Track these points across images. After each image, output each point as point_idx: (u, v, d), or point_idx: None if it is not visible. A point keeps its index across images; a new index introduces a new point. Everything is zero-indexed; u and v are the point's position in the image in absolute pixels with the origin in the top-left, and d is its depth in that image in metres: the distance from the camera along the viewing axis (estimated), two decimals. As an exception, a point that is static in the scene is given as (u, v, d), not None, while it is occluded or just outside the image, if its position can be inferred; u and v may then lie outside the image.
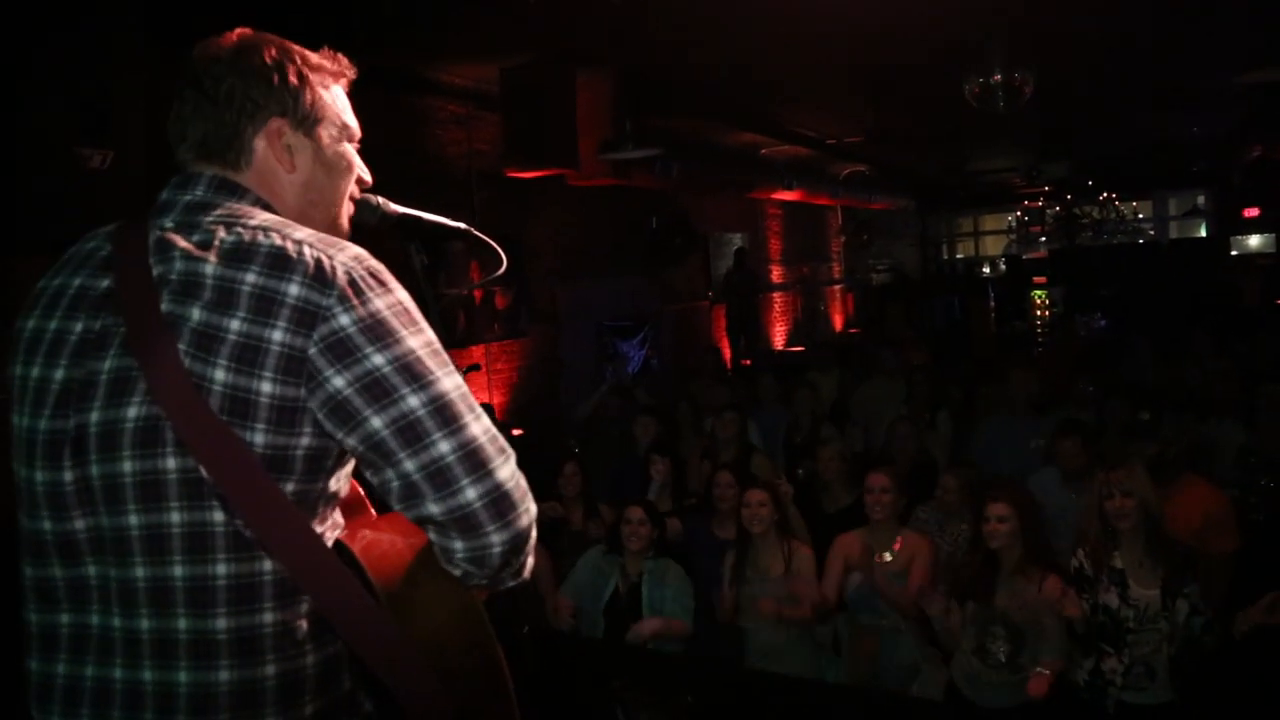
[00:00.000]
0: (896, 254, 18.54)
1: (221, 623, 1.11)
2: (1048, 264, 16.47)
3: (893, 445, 5.34)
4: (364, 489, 1.33)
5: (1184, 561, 3.24)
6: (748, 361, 11.75)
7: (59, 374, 1.18)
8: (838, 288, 16.65)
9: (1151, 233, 17.89)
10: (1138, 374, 7.69)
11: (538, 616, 4.11)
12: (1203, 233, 17.41)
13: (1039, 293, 15.69)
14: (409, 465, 1.13)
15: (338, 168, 1.37)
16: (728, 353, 12.10)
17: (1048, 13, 6.15)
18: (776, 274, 14.23)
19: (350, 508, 1.30)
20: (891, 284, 16.98)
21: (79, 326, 1.19)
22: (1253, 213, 15.63)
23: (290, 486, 1.14)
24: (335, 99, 1.37)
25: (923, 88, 8.19)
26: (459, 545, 1.16)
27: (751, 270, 12.43)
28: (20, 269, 4.11)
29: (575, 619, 4.10)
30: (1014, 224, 18.38)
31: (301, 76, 1.31)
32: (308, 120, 1.32)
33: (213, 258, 1.15)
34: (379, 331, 1.14)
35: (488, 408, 7.06)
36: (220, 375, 1.10)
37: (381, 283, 1.18)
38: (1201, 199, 17.25)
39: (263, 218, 1.22)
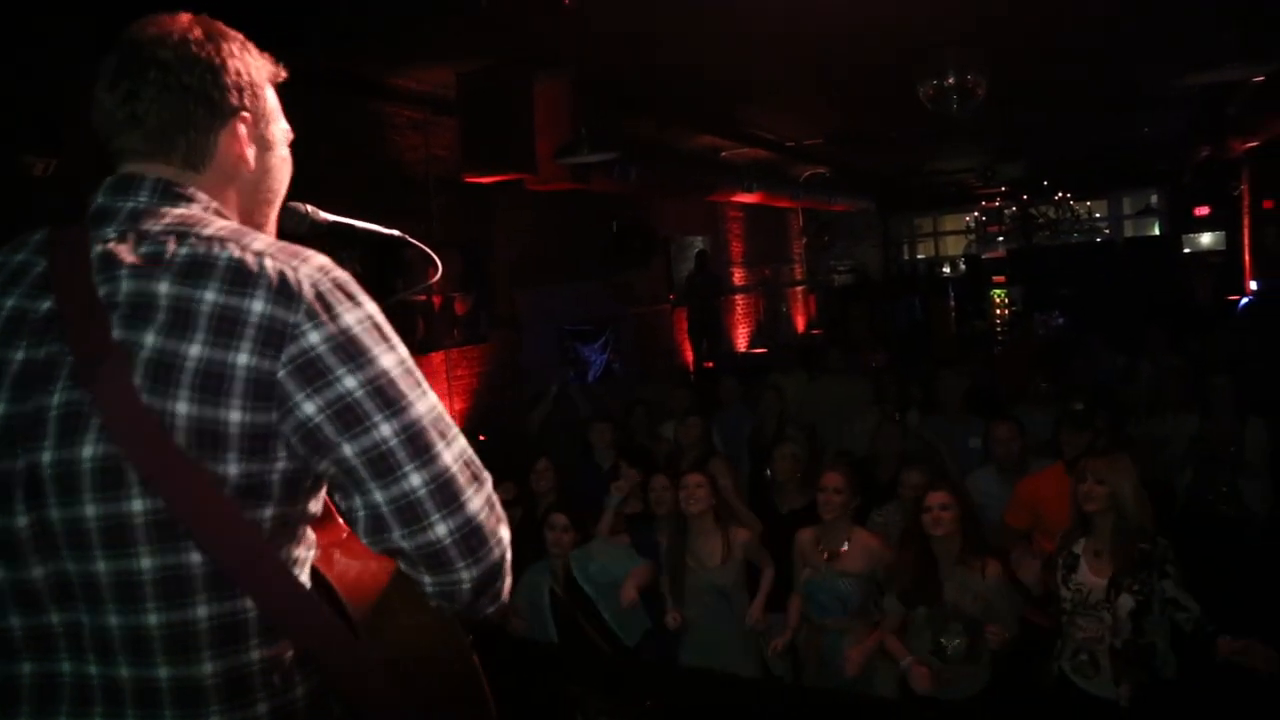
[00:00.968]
0: (858, 255, 18.68)
1: (208, 667, 1.05)
2: (1007, 263, 16.67)
3: (877, 446, 5.36)
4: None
5: (1143, 558, 3.28)
6: (710, 364, 11.78)
7: (1, 408, 1.07)
8: (800, 289, 16.74)
9: (1107, 231, 18.17)
10: (1091, 371, 7.80)
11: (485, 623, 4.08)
12: (1156, 231, 17.70)
13: (998, 292, 15.90)
14: (379, 496, 1.09)
15: (280, 170, 1.32)
16: (690, 356, 12.12)
17: (1000, 16, 6.22)
18: (738, 276, 14.28)
19: (320, 519, 1.25)
20: (853, 285, 17.11)
21: (19, 355, 1.08)
22: (1203, 211, 15.93)
23: (269, 512, 1.08)
24: (274, 99, 1.32)
25: (879, 90, 8.26)
26: (427, 580, 1.13)
27: (713, 273, 12.46)
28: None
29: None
30: (973, 224, 18.58)
31: (259, 72, 1.26)
32: (263, 119, 1.27)
33: (165, 274, 1.06)
34: (350, 350, 1.08)
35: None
36: (183, 408, 1.02)
37: (350, 295, 1.12)
38: (1155, 198, 17.54)
39: (216, 226, 1.13)
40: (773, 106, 9.45)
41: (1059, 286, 15.37)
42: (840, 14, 5.91)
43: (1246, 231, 14.29)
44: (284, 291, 1.07)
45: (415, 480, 1.09)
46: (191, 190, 1.18)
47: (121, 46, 1.19)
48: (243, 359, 1.04)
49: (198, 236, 1.10)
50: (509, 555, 1.19)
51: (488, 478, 1.18)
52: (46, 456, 1.04)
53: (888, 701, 3.66)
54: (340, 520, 1.28)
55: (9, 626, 1.07)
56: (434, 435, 1.12)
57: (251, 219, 1.27)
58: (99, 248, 1.10)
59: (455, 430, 1.17)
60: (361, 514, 1.11)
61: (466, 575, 1.13)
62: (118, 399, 1.02)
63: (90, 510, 1.03)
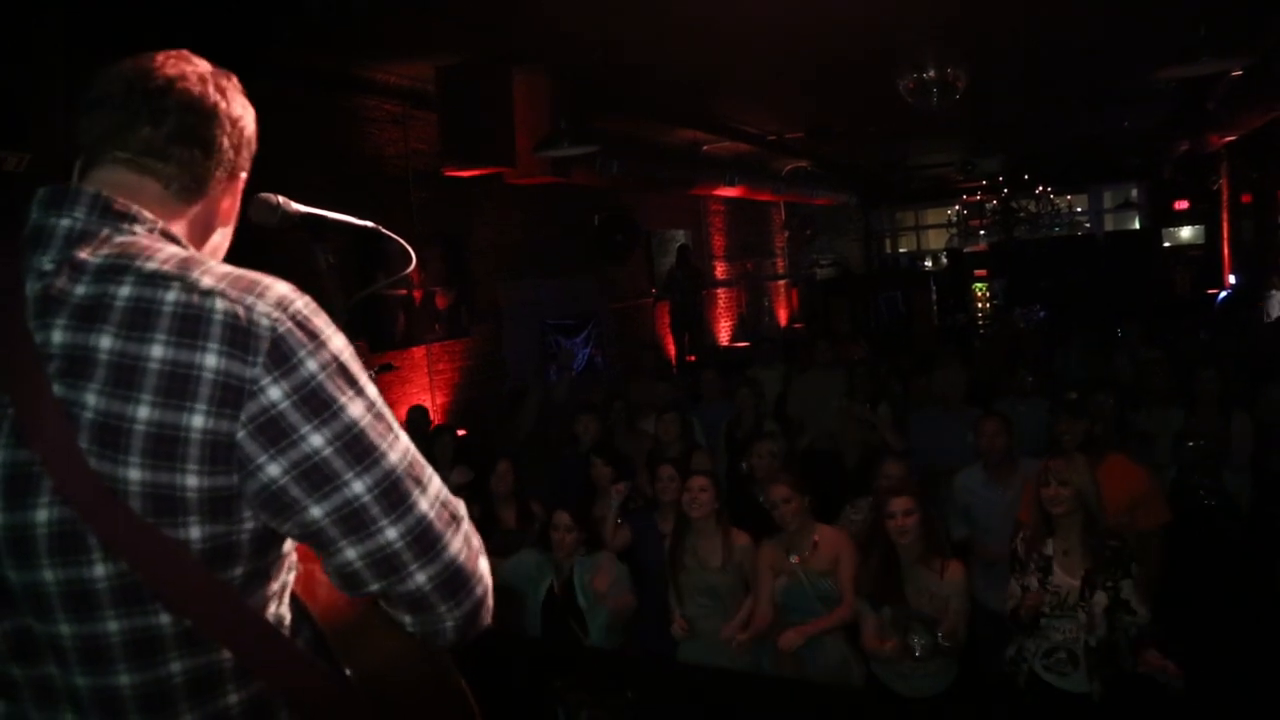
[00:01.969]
0: (840, 249, 18.72)
1: (187, 717, 1.02)
2: (988, 257, 16.77)
3: (841, 437, 5.37)
4: None
5: (1113, 555, 3.29)
6: (692, 358, 11.79)
7: None
8: (782, 283, 16.78)
9: (1088, 225, 18.28)
10: (1070, 365, 7.85)
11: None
12: (1137, 225, 17.82)
13: (980, 285, 15.99)
14: (350, 554, 1.03)
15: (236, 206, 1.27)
16: (672, 349, 12.13)
17: (980, 11, 6.24)
18: (720, 270, 14.29)
19: None
20: (835, 279, 17.15)
21: None
22: (1183, 205, 16.05)
23: (239, 569, 1.02)
24: None
25: (860, 83, 8.28)
26: (408, 620, 1.10)
27: (695, 266, 12.47)
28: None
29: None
30: (954, 218, 18.65)
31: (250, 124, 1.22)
32: (241, 170, 1.23)
33: (105, 326, 0.96)
34: (315, 404, 0.99)
35: (420, 410, 6.96)
36: (135, 474, 0.95)
37: (312, 333, 1.02)
38: (1135, 192, 17.65)
39: (162, 255, 1.03)
40: (753, 100, 9.46)
41: (1040, 280, 15.47)
42: (817, 7, 5.92)
43: (1225, 225, 14.41)
44: (238, 341, 0.97)
45: (391, 534, 1.03)
46: (135, 208, 1.07)
47: (138, 70, 1.11)
48: (198, 421, 0.96)
49: (140, 274, 1.00)
50: (491, 585, 1.15)
51: (463, 514, 1.13)
52: None
53: (867, 694, 3.68)
54: None
55: None
56: (409, 484, 1.05)
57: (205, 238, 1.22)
58: (34, 284, 1.00)
59: (429, 471, 1.10)
60: (335, 568, 1.06)
61: (449, 617, 1.09)
62: (65, 461, 0.95)
63: (49, 575, 0.97)
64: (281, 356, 0.99)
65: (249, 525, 1.01)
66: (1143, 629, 3.19)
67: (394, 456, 1.04)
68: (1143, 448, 4.93)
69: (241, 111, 1.19)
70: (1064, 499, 3.38)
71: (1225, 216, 14.44)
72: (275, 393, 0.98)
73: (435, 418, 7.46)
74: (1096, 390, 4.93)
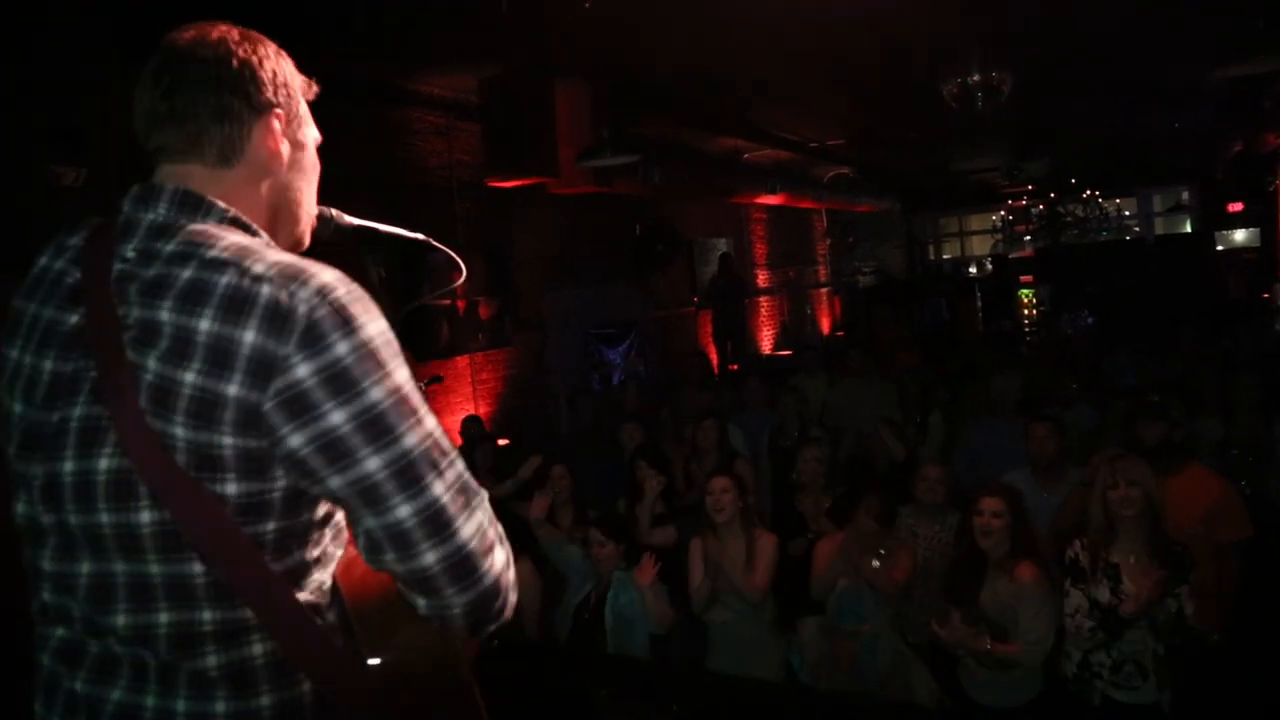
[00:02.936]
0: (882, 256, 18.56)
1: (212, 660, 1.11)
2: (1034, 263, 16.50)
3: (873, 448, 5.34)
4: None
5: (1180, 560, 3.21)
6: (735, 366, 11.75)
7: (33, 414, 1.15)
8: (824, 291, 16.68)
9: (1137, 229, 17.95)
10: (1120, 371, 7.71)
11: (510, 628, 4.09)
12: (1188, 228, 17.47)
13: (1026, 292, 15.73)
14: (370, 523, 1.11)
15: (311, 173, 1.34)
16: (715, 358, 12.10)
17: (1023, 11, 6.17)
18: (762, 278, 14.24)
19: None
20: (878, 286, 17.00)
21: (49, 366, 1.15)
22: (1236, 207, 15.69)
23: (270, 525, 1.11)
24: (305, 106, 1.34)
25: (902, 88, 8.21)
26: (421, 603, 1.16)
27: (737, 275, 12.43)
28: (-7, 288, 4.08)
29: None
30: (999, 223, 18.41)
31: (293, 77, 1.30)
32: (295, 120, 1.30)
33: (168, 301, 1.09)
34: (339, 384, 1.07)
35: (474, 419, 7.01)
36: (180, 432, 1.06)
37: (346, 320, 1.10)
38: (1186, 195, 17.31)
39: (224, 243, 1.13)
40: (794, 107, 9.42)
41: (1087, 285, 15.19)
42: (860, 12, 5.88)
43: (1281, 227, 14.06)
44: (276, 321, 1.07)
45: (403, 512, 1.10)
46: (211, 199, 1.19)
47: (163, 48, 1.23)
48: (233, 389, 1.06)
49: (202, 259, 1.11)
50: (508, 576, 1.20)
51: (482, 503, 1.19)
52: (68, 465, 1.11)
53: (907, 706, 3.62)
54: None
55: (43, 601, 1.17)
56: (424, 467, 1.12)
57: (280, 219, 1.30)
58: (119, 266, 1.14)
59: (451, 456, 1.17)
60: (360, 534, 1.14)
61: (457, 601, 1.15)
62: (128, 418, 1.07)
63: (105, 518, 1.10)
64: (314, 338, 1.08)
65: (281, 483, 1.11)
66: (1190, 629, 3.12)
67: (412, 439, 1.12)
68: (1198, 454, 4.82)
69: (251, 53, 1.24)
70: (1135, 500, 3.27)
71: (1281, 218, 14.09)
72: (303, 370, 1.07)
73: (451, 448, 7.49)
74: (1171, 397, 4.83)
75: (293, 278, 1.10)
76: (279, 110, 1.26)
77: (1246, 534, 3.86)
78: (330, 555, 1.20)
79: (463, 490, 1.16)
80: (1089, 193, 16.61)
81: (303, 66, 1.35)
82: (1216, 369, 5.90)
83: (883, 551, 3.93)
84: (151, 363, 1.07)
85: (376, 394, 1.10)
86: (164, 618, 1.10)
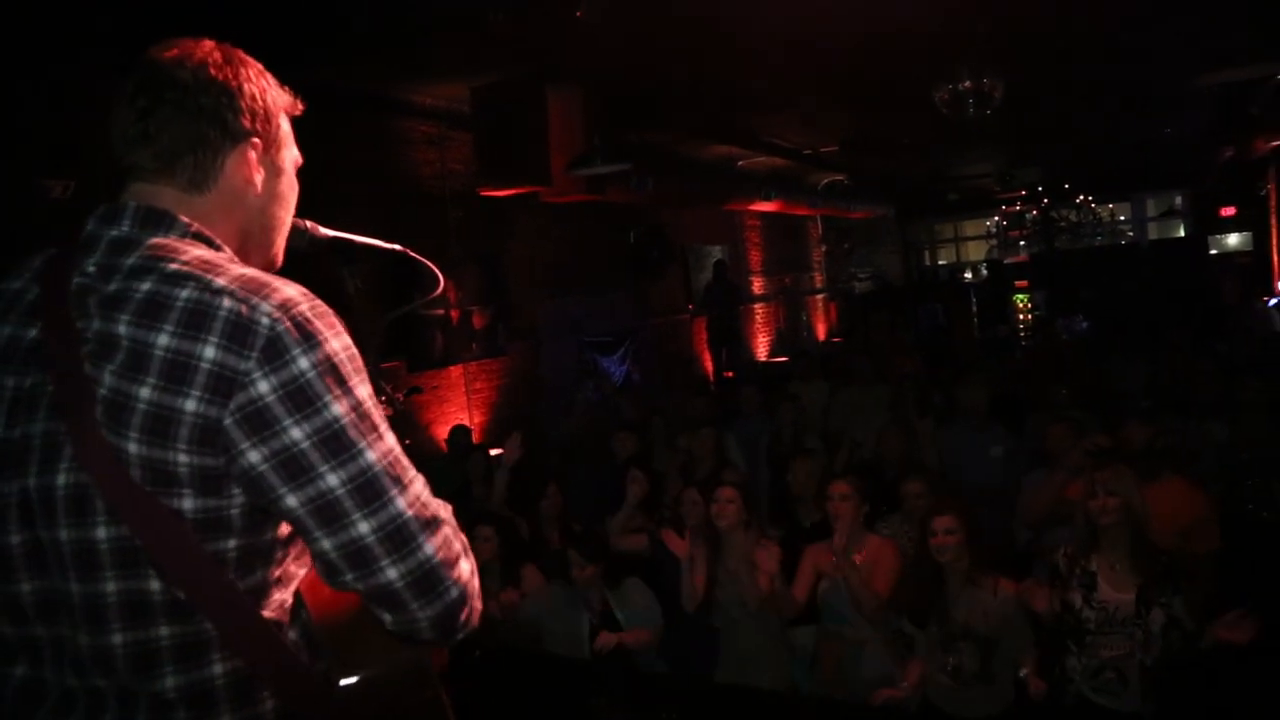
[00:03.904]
0: (878, 262, 18.58)
1: (170, 681, 1.09)
2: (1029, 268, 16.53)
3: (884, 454, 5.32)
4: None
5: (1164, 571, 3.20)
6: (730, 374, 11.73)
7: None
8: (820, 297, 16.68)
9: (1130, 234, 17.99)
10: (1121, 375, 7.69)
11: (487, 640, 4.07)
12: (1181, 233, 17.50)
13: (1021, 297, 15.75)
14: (325, 544, 1.09)
15: (288, 197, 1.33)
16: (710, 365, 12.08)
17: (1014, 18, 6.17)
18: (757, 285, 14.24)
19: None
20: (874, 292, 17.01)
21: (10, 382, 1.13)
22: (1229, 212, 15.74)
23: (231, 543, 1.10)
24: (288, 126, 1.33)
25: (894, 95, 8.22)
26: (386, 618, 1.14)
27: (732, 282, 12.43)
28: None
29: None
30: (994, 229, 18.44)
31: (274, 99, 1.28)
32: (274, 146, 1.28)
33: (126, 315, 1.07)
34: (299, 400, 1.06)
35: (463, 429, 6.98)
36: (133, 448, 1.04)
37: (308, 335, 1.09)
38: (1179, 199, 17.36)
39: (186, 257, 1.12)
40: (788, 115, 9.43)
41: (1082, 290, 15.21)
42: (851, 20, 5.88)
43: (1275, 231, 14.10)
44: (237, 336, 1.05)
45: (363, 528, 1.09)
46: (174, 215, 1.17)
47: (142, 66, 1.21)
48: (190, 405, 1.04)
49: (162, 273, 1.09)
50: (473, 586, 1.18)
51: (446, 517, 1.17)
52: (32, 481, 1.10)
53: (910, 716, 3.60)
54: None
55: (3, 634, 1.14)
56: (386, 482, 1.11)
57: (253, 242, 1.28)
58: (78, 280, 1.12)
59: (412, 473, 1.16)
60: (315, 557, 1.13)
61: (423, 616, 1.13)
62: (84, 432, 1.06)
63: (64, 534, 1.08)
64: (275, 353, 1.06)
65: (239, 500, 1.09)
66: (1187, 636, 3.10)
67: (372, 455, 1.10)
68: (1190, 462, 4.81)
69: (231, 78, 1.22)
70: (1112, 509, 3.28)
71: (1274, 222, 14.12)
72: (264, 386, 1.06)
73: (473, 437, 7.48)
74: (1166, 405, 4.82)
75: (255, 291, 1.09)
76: (256, 139, 1.25)
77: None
78: (291, 575, 1.19)
79: (426, 505, 1.15)
80: (1082, 198, 16.64)
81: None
82: (1215, 372, 5.88)
83: (866, 548, 3.90)
84: (107, 377, 1.06)
85: (338, 409, 1.09)
86: (118, 638, 1.08)
